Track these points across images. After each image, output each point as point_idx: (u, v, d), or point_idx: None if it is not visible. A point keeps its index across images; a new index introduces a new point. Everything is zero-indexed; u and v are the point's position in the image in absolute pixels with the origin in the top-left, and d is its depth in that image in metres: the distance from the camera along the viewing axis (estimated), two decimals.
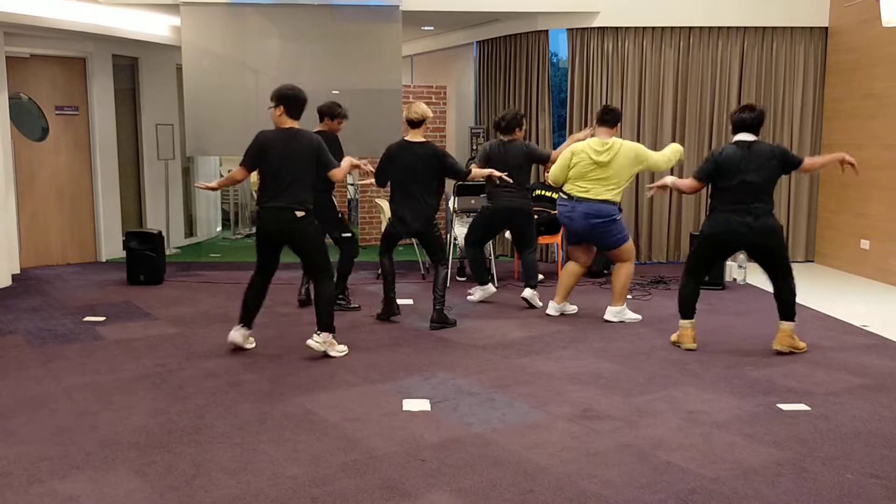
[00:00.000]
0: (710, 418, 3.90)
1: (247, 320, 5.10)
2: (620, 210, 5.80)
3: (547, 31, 8.48)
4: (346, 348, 5.07)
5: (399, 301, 6.38)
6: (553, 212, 7.29)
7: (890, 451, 3.51)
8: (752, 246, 4.95)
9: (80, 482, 3.19)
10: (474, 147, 9.31)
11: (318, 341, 4.93)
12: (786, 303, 5.00)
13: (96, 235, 8.73)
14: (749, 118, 4.94)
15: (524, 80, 8.73)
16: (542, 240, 7.47)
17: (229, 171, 5.13)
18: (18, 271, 7.85)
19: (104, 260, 8.72)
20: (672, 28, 8.30)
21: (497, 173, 5.93)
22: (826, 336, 5.50)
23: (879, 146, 7.52)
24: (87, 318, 6.00)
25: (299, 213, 4.84)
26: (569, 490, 3.11)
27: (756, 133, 4.96)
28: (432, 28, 9.74)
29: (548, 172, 6.07)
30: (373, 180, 5.88)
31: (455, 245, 7.45)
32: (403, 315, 6.05)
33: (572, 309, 6.13)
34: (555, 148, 7.70)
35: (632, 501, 3.02)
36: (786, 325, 5.02)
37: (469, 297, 6.61)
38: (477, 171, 6.00)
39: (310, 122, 6.58)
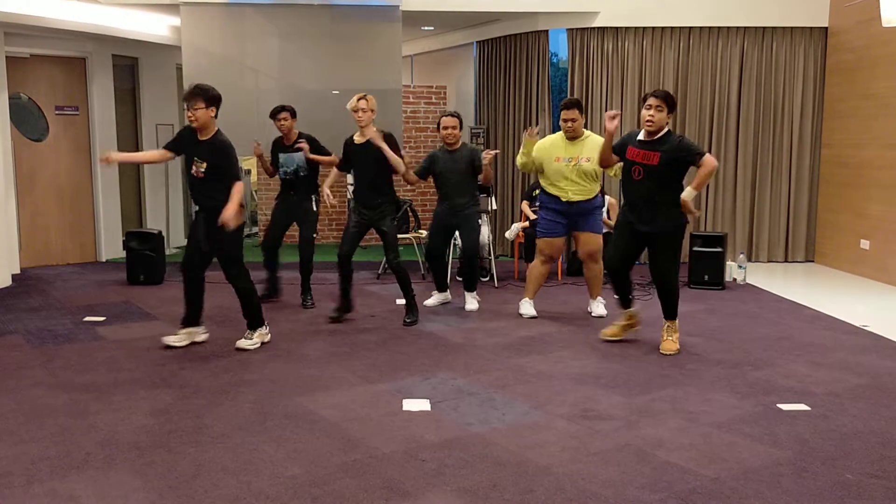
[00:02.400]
0: (710, 418, 3.90)
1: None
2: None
3: (547, 31, 8.48)
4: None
5: (399, 301, 6.38)
6: None
7: (890, 451, 3.51)
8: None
9: (80, 482, 3.19)
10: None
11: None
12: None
13: (96, 235, 8.73)
14: None
15: (524, 80, 8.73)
16: None
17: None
18: (18, 271, 7.85)
19: (104, 260, 8.72)
20: (672, 28, 8.30)
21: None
22: (826, 336, 5.50)
23: (880, 146, 7.52)
24: (87, 318, 6.00)
25: None
26: (569, 490, 3.11)
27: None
28: (432, 28, 9.74)
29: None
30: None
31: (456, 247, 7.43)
32: (403, 315, 6.04)
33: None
34: None
35: (632, 501, 3.02)
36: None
37: (426, 302, 6.47)
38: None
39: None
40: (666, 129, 4.87)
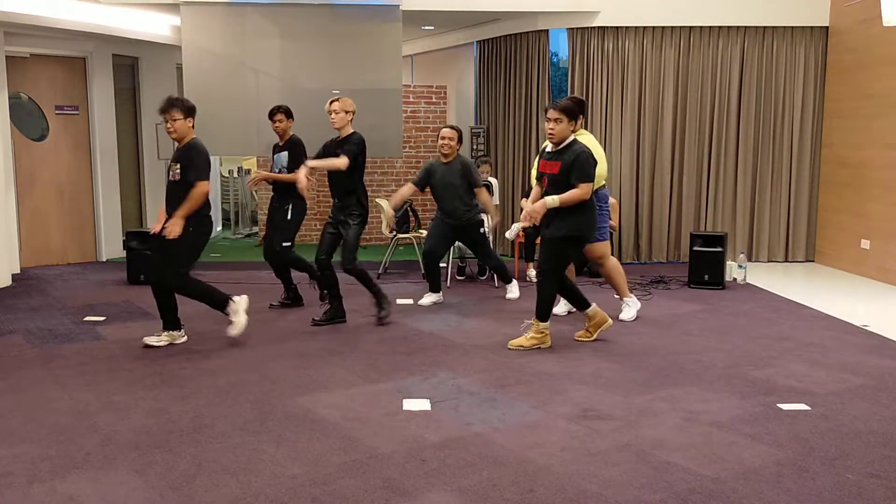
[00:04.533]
0: (710, 418, 3.90)
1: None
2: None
3: (547, 30, 8.48)
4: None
5: (400, 301, 6.38)
6: None
7: (890, 451, 3.51)
8: None
9: (80, 482, 3.19)
10: (474, 147, 9.31)
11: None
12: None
13: (96, 235, 8.74)
14: None
15: (524, 80, 8.73)
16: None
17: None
18: (18, 271, 7.85)
19: (104, 260, 8.73)
20: (672, 28, 8.30)
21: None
22: (826, 336, 5.50)
23: (879, 146, 7.52)
24: (87, 318, 6.00)
25: None
26: (569, 490, 3.11)
27: None
28: (432, 28, 9.74)
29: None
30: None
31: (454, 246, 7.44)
32: (404, 315, 6.04)
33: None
34: None
35: (632, 501, 3.02)
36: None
37: (420, 302, 6.46)
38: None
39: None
40: (571, 139, 4.92)
